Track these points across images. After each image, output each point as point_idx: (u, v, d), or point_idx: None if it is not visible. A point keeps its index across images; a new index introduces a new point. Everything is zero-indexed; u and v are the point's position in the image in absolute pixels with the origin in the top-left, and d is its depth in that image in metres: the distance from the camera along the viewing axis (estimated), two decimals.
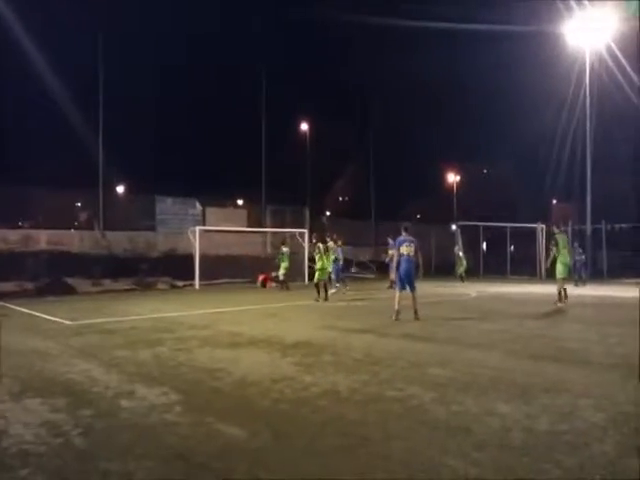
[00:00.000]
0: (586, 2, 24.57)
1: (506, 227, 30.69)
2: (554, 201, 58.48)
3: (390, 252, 12.88)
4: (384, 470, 3.55)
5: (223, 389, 5.67)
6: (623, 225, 25.91)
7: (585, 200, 28.51)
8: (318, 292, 15.56)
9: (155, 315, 12.63)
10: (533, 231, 29.78)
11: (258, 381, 5.96)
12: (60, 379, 6.27)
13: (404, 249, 11.14)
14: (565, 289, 13.79)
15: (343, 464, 3.67)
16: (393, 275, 11.72)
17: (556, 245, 13.63)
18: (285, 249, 20.70)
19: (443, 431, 4.28)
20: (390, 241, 12.64)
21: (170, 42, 56.82)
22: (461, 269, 25.69)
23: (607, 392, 5.40)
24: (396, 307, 10.96)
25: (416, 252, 11.19)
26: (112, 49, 27.45)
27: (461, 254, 26.12)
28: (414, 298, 11.08)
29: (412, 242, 11.25)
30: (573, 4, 24.67)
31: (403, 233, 11.39)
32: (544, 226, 29.30)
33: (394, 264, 11.44)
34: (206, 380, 6.07)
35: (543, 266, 28.63)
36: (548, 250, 25.64)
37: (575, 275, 20.69)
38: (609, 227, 26.40)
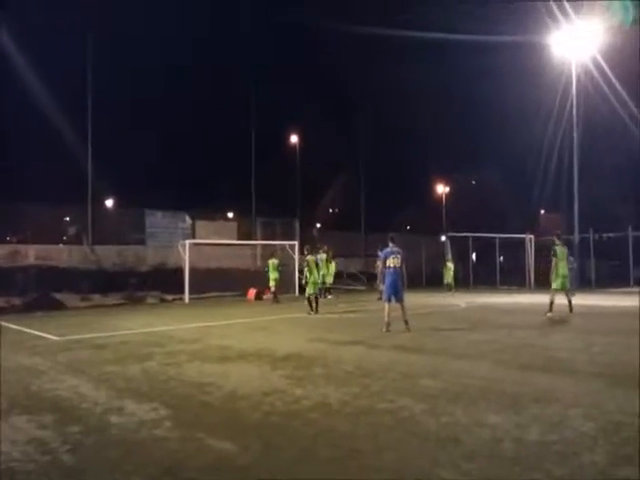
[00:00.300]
0: (572, 14, 24.95)
1: (495, 238, 30.84)
2: (542, 211, 58.95)
3: (378, 263, 12.93)
4: None
5: (213, 403, 5.64)
6: (611, 234, 26.13)
7: (572, 209, 28.74)
8: (310, 306, 15.54)
9: (145, 330, 12.55)
10: (522, 241, 30.02)
11: (248, 395, 5.93)
12: (48, 395, 6.21)
13: (390, 261, 11.11)
14: (570, 300, 13.84)
15: (334, 476, 3.66)
16: (381, 286, 11.74)
17: (555, 256, 13.65)
18: (273, 261, 20.69)
19: (433, 442, 4.28)
20: (379, 253, 12.67)
21: (157, 45, 56.82)
22: (449, 279, 25.74)
23: (596, 401, 5.43)
24: (386, 319, 10.94)
25: (402, 263, 11.20)
26: (101, 57, 27.32)
27: (449, 264, 26.19)
28: (403, 309, 11.10)
29: (399, 253, 11.20)
30: (559, 16, 25.06)
31: (390, 244, 11.35)
32: (533, 236, 29.54)
33: (380, 276, 11.38)
34: (196, 394, 6.04)
35: (532, 276, 28.90)
36: (538, 261, 25.97)
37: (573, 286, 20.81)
38: (597, 236, 26.60)
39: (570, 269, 20.49)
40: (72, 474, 3.81)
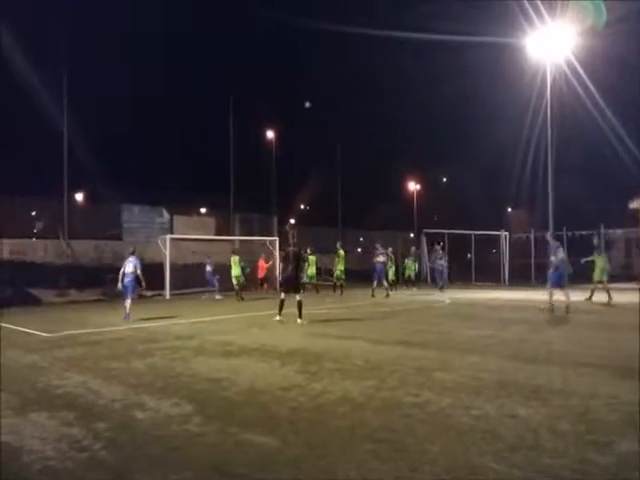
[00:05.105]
0: (546, 16, 25.39)
1: (470, 234, 31.25)
2: (509, 209, 60.14)
3: (553, 257, 13.95)
4: (431, 475, 3.55)
5: (235, 398, 5.58)
6: (583, 232, 26.73)
7: (540, 207, 29.33)
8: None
9: (133, 326, 12.32)
10: (493, 238, 30.62)
11: (267, 390, 5.88)
12: (58, 392, 6.05)
13: (560, 254, 13.30)
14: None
15: (387, 470, 3.65)
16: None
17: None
18: (233, 257, 20.67)
19: (472, 435, 4.31)
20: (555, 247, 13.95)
21: (143, 43, 55.99)
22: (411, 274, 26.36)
23: (611, 392, 5.54)
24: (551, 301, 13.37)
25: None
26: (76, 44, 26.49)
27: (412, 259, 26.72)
28: (567, 294, 13.27)
29: (561, 247, 13.72)
30: (534, 17, 25.48)
31: (552, 240, 13.85)
32: (507, 233, 30.07)
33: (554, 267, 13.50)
34: (213, 390, 5.96)
35: (507, 272, 29.43)
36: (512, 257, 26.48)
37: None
38: (570, 234, 27.18)
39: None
40: (118, 472, 3.70)
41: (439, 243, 27.14)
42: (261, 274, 23.32)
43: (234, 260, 20.44)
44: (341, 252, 22.36)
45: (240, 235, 27.81)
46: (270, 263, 23.16)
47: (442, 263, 24.10)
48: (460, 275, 31.26)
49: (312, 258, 21.69)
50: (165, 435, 4.44)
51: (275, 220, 29.75)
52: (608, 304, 15.61)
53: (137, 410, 5.17)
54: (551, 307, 13.37)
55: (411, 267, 26.63)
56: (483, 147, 49.07)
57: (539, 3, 26.21)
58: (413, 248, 28.12)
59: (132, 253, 13.91)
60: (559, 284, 13.46)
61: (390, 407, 5.13)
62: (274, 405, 5.28)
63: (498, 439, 4.19)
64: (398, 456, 3.88)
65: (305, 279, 21.22)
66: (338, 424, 4.65)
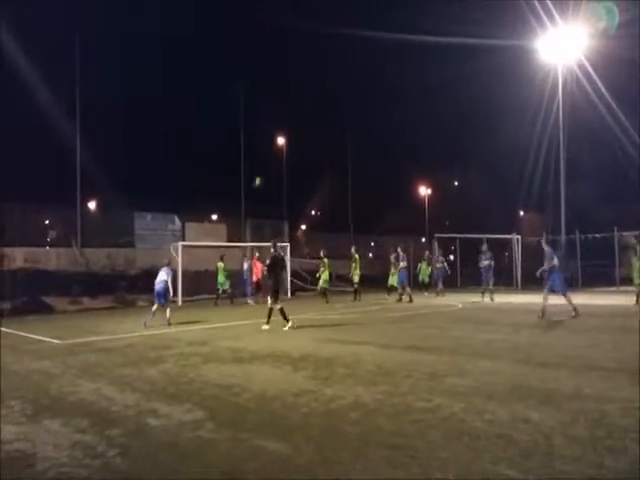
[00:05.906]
0: (558, 19, 25.36)
1: (482, 238, 31.04)
2: (521, 212, 59.76)
3: (546, 263, 13.39)
4: None
5: (247, 404, 5.58)
6: (597, 235, 26.52)
7: (553, 210, 29.14)
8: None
9: (145, 332, 12.38)
10: (505, 242, 30.39)
11: (279, 395, 5.88)
12: (71, 399, 6.09)
13: (555, 260, 12.80)
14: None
15: (400, 477, 3.63)
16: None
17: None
18: (219, 263, 20.81)
19: (485, 440, 4.28)
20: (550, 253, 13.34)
21: (147, 45, 56.56)
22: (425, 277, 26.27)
23: (626, 397, 5.47)
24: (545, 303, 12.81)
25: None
26: (86, 53, 26.79)
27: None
28: (570, 299, 12.90)
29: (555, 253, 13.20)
30: (546, 20, 25.46)
31: (546, 246, 13.23)
32: (519, 237, 29.87)
33: (546, 270, 13.02)
34: (225, 396, 5.97)
35: (520, 276, 29.20)
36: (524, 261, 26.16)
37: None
38: (582, 237, 26.98)
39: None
40: (133, 479, 3.72)
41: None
42: (256, 277, 21.78)
43: (219, 267, 20.62)
44: (356, 257, 22.13)
45: (251, 241, 27.85)
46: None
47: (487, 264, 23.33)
48: (473, 279, 31.10)
49: (326, 261, 21.13)
50: (178, 441, 4.45)
51: (286, 225, 29.78)
52: None
53: (150, 416, 5.19)
54: (576, 312, 12.90)
55: (425, 271, 26.52)
56: (494, 150, 48.81)
57: (551, 6, 26.19)
58: (426, 252, 27.89)
59: (167, 265, 14.53)
60: (561, 288, 13.07)
61: (402, 412, 5.11)
62: (286, 411, 5.28)
63: (511, 444, 4.16)
64: (411, 462, 3.86)
65: (321, 284, 21.16)
66: (350, 430, 4.64)
